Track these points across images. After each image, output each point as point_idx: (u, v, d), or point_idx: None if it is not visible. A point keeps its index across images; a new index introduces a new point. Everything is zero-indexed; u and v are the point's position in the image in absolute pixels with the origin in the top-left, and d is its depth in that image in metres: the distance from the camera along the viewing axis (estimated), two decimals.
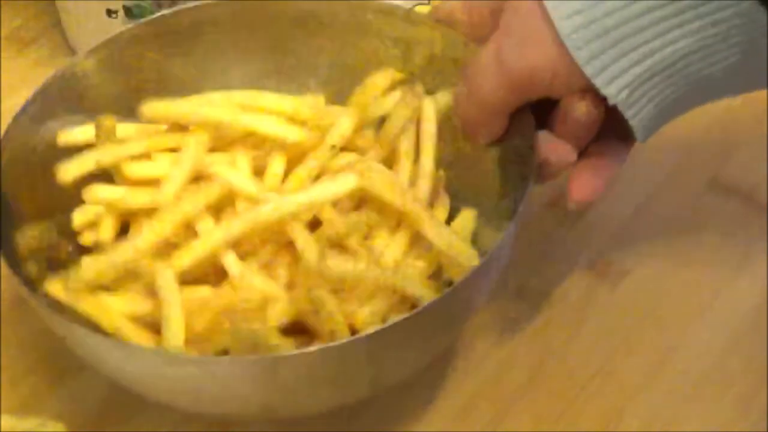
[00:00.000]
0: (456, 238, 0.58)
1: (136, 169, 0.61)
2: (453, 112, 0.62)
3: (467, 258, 0.57)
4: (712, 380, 0.64)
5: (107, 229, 0.60)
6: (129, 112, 0.63)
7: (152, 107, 0.62)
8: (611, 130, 0.60)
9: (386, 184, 0.58)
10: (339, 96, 0.65)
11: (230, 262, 0.58)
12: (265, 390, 0.55)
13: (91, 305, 0.57)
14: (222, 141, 0.62)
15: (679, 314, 0.67)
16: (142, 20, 0.66)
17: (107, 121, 0.61)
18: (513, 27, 0.57)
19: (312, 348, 0.54)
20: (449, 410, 0.63)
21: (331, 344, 0.53)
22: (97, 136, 0.61)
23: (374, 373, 0.57)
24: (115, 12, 0.75)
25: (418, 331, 0.55)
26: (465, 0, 0.62)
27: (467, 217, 0.62)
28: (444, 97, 0.62)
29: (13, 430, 0.60)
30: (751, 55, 0.55)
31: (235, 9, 0.66)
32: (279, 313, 0.57)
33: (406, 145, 0.62)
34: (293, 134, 0.61)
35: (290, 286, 0.58)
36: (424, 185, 0.61)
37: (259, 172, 0.61)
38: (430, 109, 0.62)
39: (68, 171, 0.60)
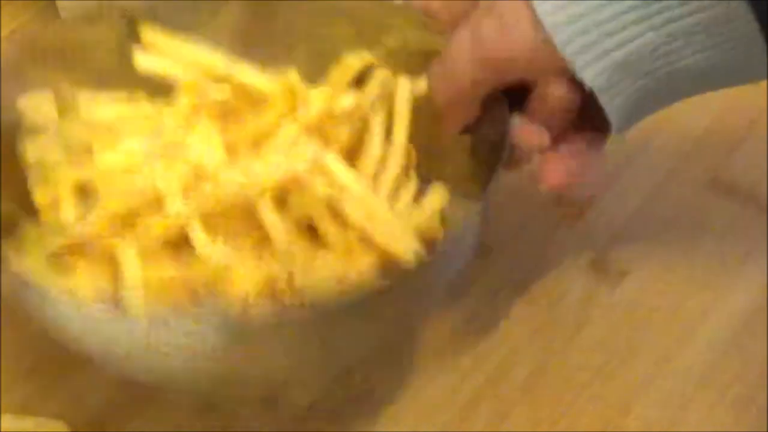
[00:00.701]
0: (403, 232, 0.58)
1: (106, 158, 0.60)
2: (428, 93, 0.60)
3: (409, 255, 0.57)
4: (712, 380, 0.64)
5: (69, 208, 0.59)
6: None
7: (152, 37, 0.61)
8: (585, 122, 0.59)
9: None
10: (309, 80, 0.64)
11: (195, 233, 0.57)
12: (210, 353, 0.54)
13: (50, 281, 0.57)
14: (195, 112, 0.61)
15: (679, 314, 0.67)
16: None
17: (65, 90, 0.61)
18: (492, 8, 0.56)
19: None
20: (449, 410, 0.63)
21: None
22: (58, 108, 0.60)
23: (319, 349, 0.56)
24: None
25: (365, 313, 0.55)
26: None
27: (437, 194, 0.61)
28: (419, 82, 0.62)
29: (13, 430, 0.60)
30: (732, 47, 0.55)
31: None
32: (245, 281, 0.56)
33: (378, 121, 0.61)
34: (277, 89, 0.60)
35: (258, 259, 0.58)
36: (395, 160, 0.60)
37: (230, 149, 0.61)
38: (405, 88, 0.61)
39: (31, 152, 0.60)
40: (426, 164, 0.63)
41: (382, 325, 0.58)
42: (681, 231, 0.70)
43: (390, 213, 0.59)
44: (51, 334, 0.56)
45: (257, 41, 0.66)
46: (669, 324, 0.66)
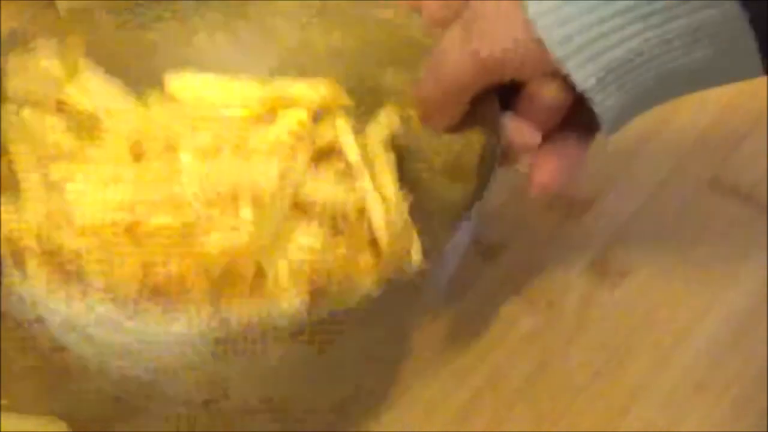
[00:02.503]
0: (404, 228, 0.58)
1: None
2: (414, 97, 0.60)
3: (410, 259, 0.57)
4: (711, 380, 0.64)
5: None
6: None
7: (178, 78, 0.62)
8: (574, 122, 0.59)
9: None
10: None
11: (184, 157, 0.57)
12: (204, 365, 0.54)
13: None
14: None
15: (679, 314, 0.67)
16: None
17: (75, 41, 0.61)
18: (484, 8, 0.56)
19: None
20: (449, 410, 0.63)
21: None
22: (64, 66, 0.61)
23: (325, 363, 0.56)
24: None
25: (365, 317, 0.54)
26: None
27: (388, 116, 0.61)
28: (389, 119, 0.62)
29: (13, 430, 0.60)
30: (724, 47, 0.54)
31: None
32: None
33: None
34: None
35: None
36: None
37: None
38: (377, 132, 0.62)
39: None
40: (414, 164, 0.63)
41: (378, 330, 0.58)
42: (681, 231, 0.70)
43: (404, 216, 0.60)
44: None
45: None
46: (669, 324, 0.66)
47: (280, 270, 0.56)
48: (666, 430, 0.62)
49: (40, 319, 0.55)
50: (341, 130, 0.60)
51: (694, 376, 0.64)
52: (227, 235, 0.56)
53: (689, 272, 0.69)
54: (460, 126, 0.61)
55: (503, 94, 0.59)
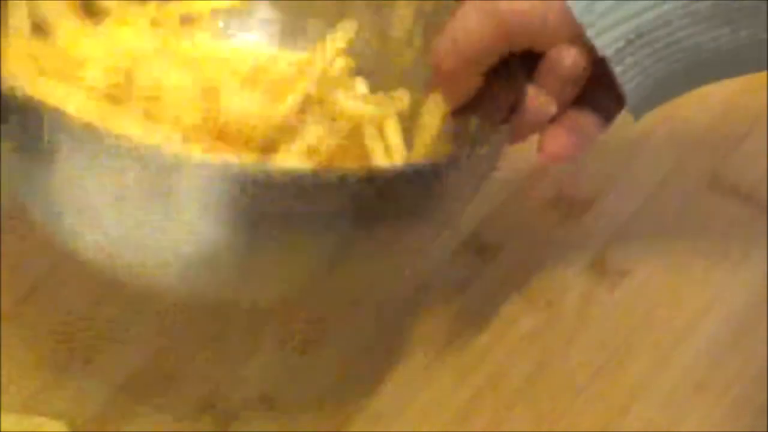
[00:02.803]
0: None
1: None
2: (431, 62, 0.59)
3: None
4: (712, 380, 0.64)
5: None
6: None
7: None
8: (592, 103, 0.58)
9: None
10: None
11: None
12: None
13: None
14: None
15: (679, 314, 0.67)
16: None
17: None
18: None
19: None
20: (449, 410, 0.63)
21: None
22: None
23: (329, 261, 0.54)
24: None
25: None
26: None
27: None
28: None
29: (13, 430, 0.60)
30: (756, 33, 0.54)
31: None
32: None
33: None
34: None
35: None
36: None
37: None
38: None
39: None
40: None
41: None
42: (681, 231, 0.70)
43: None
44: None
45: None
46: (669, 323, 0.66)
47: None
48: (666, 430, 0.62)
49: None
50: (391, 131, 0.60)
51: (694, 376, 0.64)
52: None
53: (689, 272, 0.69)
54: (478, 99, 0.59)
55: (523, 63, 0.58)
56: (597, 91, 0.57)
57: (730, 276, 0.68)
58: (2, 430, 0.60)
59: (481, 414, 0.63)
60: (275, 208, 0.51)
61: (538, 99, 0.57)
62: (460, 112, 0.59)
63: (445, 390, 0.64)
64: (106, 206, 0.52)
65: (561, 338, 0.66)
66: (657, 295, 0.68)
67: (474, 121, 0.59)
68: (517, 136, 0.58)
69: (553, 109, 0.57)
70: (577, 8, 0.54)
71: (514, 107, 0.57)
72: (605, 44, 0.55)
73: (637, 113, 0.58)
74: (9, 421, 0.60)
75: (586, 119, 0.58)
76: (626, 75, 0.56)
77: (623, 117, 0.59)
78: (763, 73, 0.72)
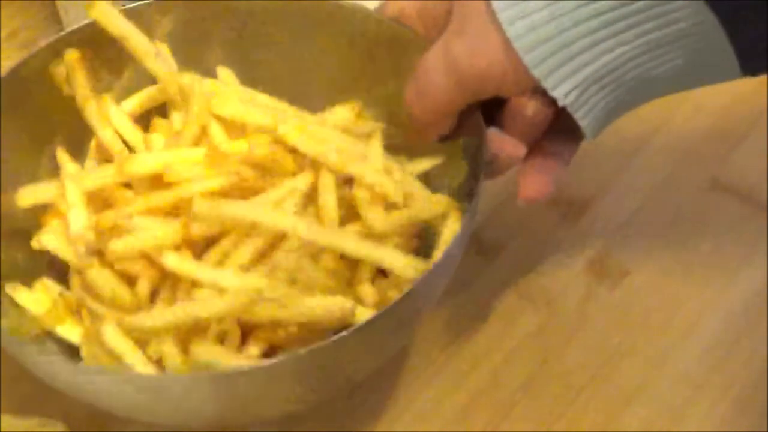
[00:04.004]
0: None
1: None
2: (403, 110, 0.61)
3: (408, 270, 0.58)
4: (711, 380, 0.64)
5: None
6: None
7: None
8: (560, 126, 0.59)
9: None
10: (291, 94, 0.65)
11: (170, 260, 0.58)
12: (219, 403, 0.55)
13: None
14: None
15: (679, 314, 0.67)
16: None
17: (72, 54, 0.62)
18: (463, 26, 0.57)
19: (260, 363, 0.54)
20: (449, 410, 0.63)
21: (278, 359, 0.53)
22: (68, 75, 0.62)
23: (323, 382, 0.57)
24: None
25: (365, 342, 0.55)
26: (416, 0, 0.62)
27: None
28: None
29: (13, 430, 0.60)
30: (700, 54, 0.55)
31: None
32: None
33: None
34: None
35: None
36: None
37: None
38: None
39: (25, 198, 0.62)
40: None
41: (382, 344, 0.58)
42: (681, 231, 0.70)
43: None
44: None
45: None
46: (668, 324, 0.66)
47: None
48: (666, 430, 0.62)
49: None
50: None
51: (694, 376, 0.64)
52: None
53: (689, 272, 0.69)
54: (447, 135, 0.61)
55: (487, 109, 0.60)
56: (563, 116, 0.58)
57: (730, 276, 0.68)
58: (2, 430, 0.60)
59: (481, 414, 0.63)
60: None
61: (505, 144, 0.59)
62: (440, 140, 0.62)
63: (445, 390, 0.64)
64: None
65: (561, 338, 0.66)
66: (657, 295, 0.68)
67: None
68: (492, 176, 0.60)
69: (521, 151, 0.60)
70: (532, 63, 0.55)
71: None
72: (563, 94, 0.56)
73: (592, 137, 0.59)
74: (9, 421, 0.60)
75: (556, 150, 0.60)
76: (586, 118, 0.57)
77: (622, 119, 0.59)
78: (764, 75, 0.73)
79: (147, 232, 0.58)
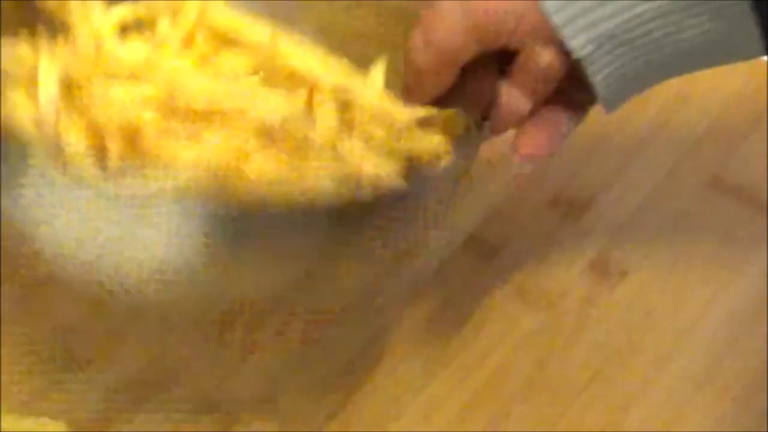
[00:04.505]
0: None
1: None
2: (404, 58, 0.58)
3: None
4: (711, 381, 0.64)
5: None
6: None
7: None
8: (565, 99, 0.58)
9: None
10: None
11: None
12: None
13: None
14: None
15: (679, 314, 0.67)
16: None
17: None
18: None
19: None
20: (449, 410, 0.63)
21: None
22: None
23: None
24: None
25: None
26: None
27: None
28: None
29: (13, 430, 0.60)
30: (723, 25, 0.54)
31: None
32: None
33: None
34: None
35: None
36: None
37: None
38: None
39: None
40: None
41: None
42: (681, 231, 0.70)
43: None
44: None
45: None
46: (669, 324, 0.66)
47: None
48: (666, 430, 0.62)
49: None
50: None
51: (695, 375, 0.64)
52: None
53: (689, 272, 0.69)
54: (450, 96, 0.58)
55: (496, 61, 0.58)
56: (570, 85, 0.57)
57: (730, 276, 0.68)
58: (2, 430, 0.60)
59: (481, 414, 0.63)
60: (254, 225, 0.52)
61: (512, 97, 0.57)
62: (435, 105, 0.58)
63: (445, 390, 0.64)
64: (78, 223, 0.52)
65: (561, 338, 0.66)
66: (657, 295, 0.68)
67: (449, 114, 0.58)
68: (492, 133, 0.58)
69: (527, 107, 0.57)
70: (551, 10, 0.54)
71: (490, 103, 0.57)
72: (579, 46, 0.55)
73: (609, 108, 0.58)
74: (9, 421, 0.60)
75: (559, 115, 0.58)
76: (599, 74, 0.56)
77: (622, 117, 0.59)
78: (764, 74, 0.73)
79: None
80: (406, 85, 0.58)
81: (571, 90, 0.57)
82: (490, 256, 0.69)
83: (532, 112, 0.58)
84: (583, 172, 0.72)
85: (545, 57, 0.56)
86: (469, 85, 0.58)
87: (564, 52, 0.55)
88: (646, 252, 0.69)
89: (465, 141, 0.57)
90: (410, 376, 0.64)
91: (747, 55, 0.56)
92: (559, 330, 0.66)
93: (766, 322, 0.66)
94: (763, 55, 0.55)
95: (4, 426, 0.60)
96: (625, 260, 0.69)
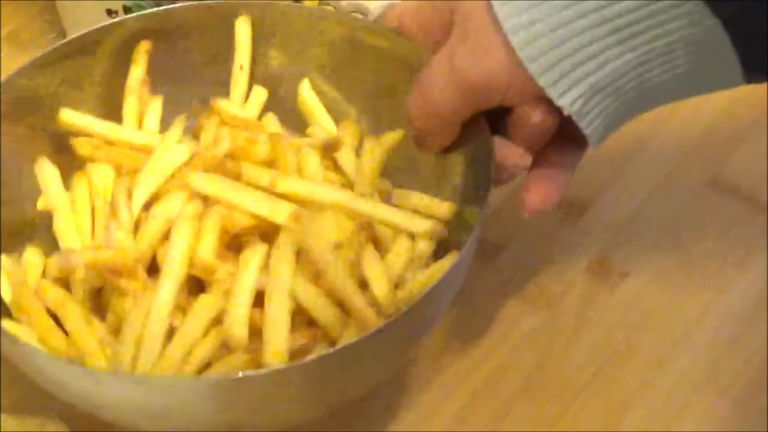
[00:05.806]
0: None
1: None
2: (406, 121, 0.61)
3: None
4: (711, 380, 0.64)
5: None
6: None
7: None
8: (563, 135, 0.59)
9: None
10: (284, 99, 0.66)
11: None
12: (228, 409, 0.54)
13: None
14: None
15: (679, 314, 0.67)
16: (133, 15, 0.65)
17: (144, 46, 0.64)
18: (466, 36, 0.57)
19: (269, 370, 0.53)
20: (450, 410, 0.63)
21: (291, 364, 0.53)
22: (134, 59, 0.64)
23: (336, 390, 0.56)
24: (116, 12, 0.75)
25: (370, 352, 0.55)
26: (415, 0, 0.62)
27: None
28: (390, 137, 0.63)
29: (13, 430, 0.60)
30: (704, 62, 0.55)
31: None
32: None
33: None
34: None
35: None
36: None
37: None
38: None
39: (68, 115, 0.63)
40: (407, 185, 0.63)
41: (389, 359, 0.58)
42: (681, 231, 0.70)
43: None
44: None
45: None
46: (668, 324, 0.66)
47: None
48: (666, 430, 0.62)
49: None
50: None
51: (694, 375, 0.64)
52: None
53: (689, 273, 0.69)
54: (452, 146, 0.61)
55: (492, 118, 0.59)
56: (569, 124, 0.58)
57: (730, 276, 0.68)
58: (2, 430, 0.60)
59: (481, 414, 0.63)
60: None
61: (513, 155, 0.60)
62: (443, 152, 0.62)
63: (445, 390, 0.64)
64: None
65: (561, 338, 0.66)
66: (657, 295, 0.68)
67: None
68: (497, 184, 0.60)
69: (527, 161, 0.60)
70: (536, 72, 0.55)
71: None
72: (569, 103, 0.56)
73: (596, 146, 0.59)
74: (9, 421, 0.60)
75: (561, 156, 0.60)
76: (591, 126, 0.57)
77: None
78: (765, 83, 0.73)
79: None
80: (414, 138, 0.62)
81: (568, 129, 0.58)
82: (490, 256, 0.69)
83: (538, 154, 0.60)
84: (583, 172, 0.72)
85: (537, 114, 0.57)
86: (471, 131, 0.60)
87: (555, 107, 0.56)
88: (645, 252, 0.69)
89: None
90: (410, 376, 0.64)
91: (728, 85, 0.57)
92: (559, 330, 0.66)
93: (766, 322, 0.66)
94: (744, 84, 0.56)
95: (4, 426, 0.60)
96: (625, 261, 0.69)
